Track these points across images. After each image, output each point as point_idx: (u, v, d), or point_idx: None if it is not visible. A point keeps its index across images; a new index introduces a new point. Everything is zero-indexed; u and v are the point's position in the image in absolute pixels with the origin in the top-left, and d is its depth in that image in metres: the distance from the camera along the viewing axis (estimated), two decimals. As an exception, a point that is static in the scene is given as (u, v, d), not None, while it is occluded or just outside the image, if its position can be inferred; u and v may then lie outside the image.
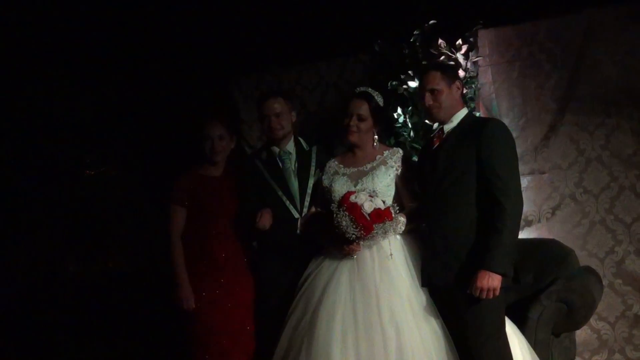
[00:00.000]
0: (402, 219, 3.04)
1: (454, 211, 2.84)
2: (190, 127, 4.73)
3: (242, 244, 3.43)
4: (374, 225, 2.89)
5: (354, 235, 2.91)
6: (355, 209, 2.90)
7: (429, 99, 2.96)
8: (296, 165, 3.40)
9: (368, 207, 2.91)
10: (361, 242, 2.96)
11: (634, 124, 3.97)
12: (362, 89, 3.24)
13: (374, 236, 2.94)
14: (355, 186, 3.09)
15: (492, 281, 2.72)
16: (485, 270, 2.72)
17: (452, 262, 2.83)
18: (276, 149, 3.42)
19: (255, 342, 3.36)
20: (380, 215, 2.91)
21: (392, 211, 2.97)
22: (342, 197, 2.98)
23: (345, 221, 2.89)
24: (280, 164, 3.39)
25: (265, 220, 3.20)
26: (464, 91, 3.99)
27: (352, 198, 2.94)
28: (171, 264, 3.34)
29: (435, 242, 2.89)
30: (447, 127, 2.98)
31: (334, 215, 2.93)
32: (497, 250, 2.72)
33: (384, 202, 2.99)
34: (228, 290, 3.34)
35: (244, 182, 3.39)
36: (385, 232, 2.95)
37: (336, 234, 2.94)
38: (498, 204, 2.74)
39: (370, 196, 2.97)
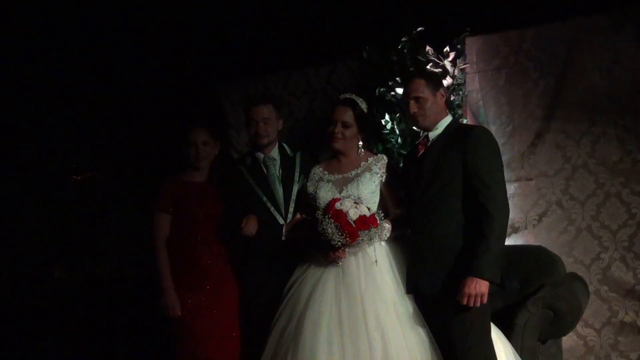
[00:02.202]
0: (387, 226, 3.04)
1: (439, 218, 2.84)
2: (177, 133, 4.75)
3: (226, 250, 3.42)
4: (359, 232, 2.89)
5: (339, 242, 2.90)
6: (340, 216, 2.90)
7: (413, 107, 2.96)
8: (280, 171, 3.39)
9: (353, 214, 2.91)
10: (346, 249, 2.95)
11: (620, 131, 4.00)
12: (346, 95, 3.24)
13: (359, 243, 2.93)
14: (340, 193, 3.08)
15: (479, 288, 2.71)
16: (473, 276, 2.72)
17: (438, 269, 2.82)
18: (261, 155, 3.41)
19: (240, 348, 3.34)
20: (366, 222, 2.90)
21: (378, 218, 2.96)
22: (328, 204, 2.97)
23: (330, 228, 2.89)
24: (265, 170, 3.38)
25: (251, 226, 3.19)
26: (452, 98, 4.02)
27: (338, 205, 2.93)
28: (156, 271, 3.32)
29: (421, 249, 2.88)
30: (432, 134, 2.99)
31: (320, 222, 2.92)
32: (484, 257, 2.71)
33: (369, 208, 2.99)
34: (213, 297, 3.33)
35: (228, 188, 3.37)
36: (371, 239, 2.95)
37: (322, 240, 2.93)
38: (485, 211, 2.74)
39: (356, 203, 2.97)
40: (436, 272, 2.83)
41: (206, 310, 3.29)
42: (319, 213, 2.96)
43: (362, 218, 2.91)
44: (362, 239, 2.92)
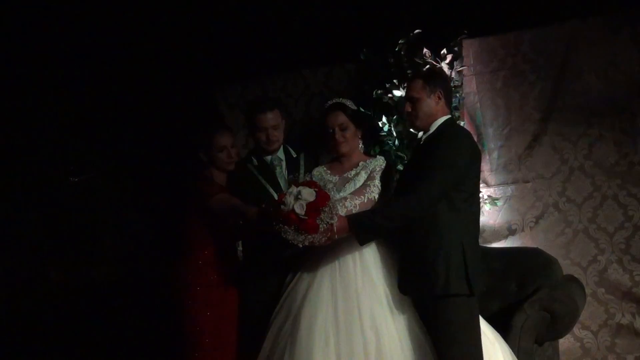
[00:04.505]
0: (348, 197, 3.01)
1: (420, 220, 2.83)
2: (174, 136, 4.75)
3: (235, 255, 3.42)
4: (316, 221, 2.69)
5: (307, 242, 2.73)
6: (290, 219, 2.69)
7: (407, 107, 2.98)
8: (286, 171, 3.41)
9: (300, 207, 2.69)
10: (321, 229, 2.75)
11: (616, 134, 4.01)
12: (332, 102, 3.26)
13: (324, 228, 2.75)
14: (339, 193, 3.09)
15: (338, 226, 2.76)
16: (349, 219, 2.79)
17: (422, 270, 2.81)
18: (268, 156, 3.42)
19: (238, 348, 3.31)
20: (317, 207, 2.70)
21: (326, 190, 2.83)
22: (275, 210, 2.76)
23: (289, 234, 2.70)
24: (273, 170, 3.40)
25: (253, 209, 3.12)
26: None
27: (283, 208, 2.71)
28: (245, 216, 3.08)
29: (406, 251, 2.89)
30: (425, 136, 2.99)
31: (280, 233, 2.72)
32: (368, 218, 2.81)
33: (313, 189, 2.77)
34: (228, 299, 3.30)
35: (240, 187, 3.35)
36: (333, 214, 2.77)
37: (292, 246, 2.76)
38: (405, 197, 2.79)
39: (299, 192, 2.74)
40: (420, 273, 2.81)
41: (224, 314, 3.26)
42: (274, 223, 2.75)
43: (310, 206, 2.69)
44: (323, 225, 2.74)
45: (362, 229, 2.81)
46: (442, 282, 2.74)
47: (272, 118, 3.34)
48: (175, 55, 4.88)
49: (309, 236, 2.71)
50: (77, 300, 4.97)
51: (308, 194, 2.72)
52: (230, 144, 3.37)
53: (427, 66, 4.04)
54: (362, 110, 3.39)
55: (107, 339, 4.78)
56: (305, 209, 2.68)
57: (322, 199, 2.73)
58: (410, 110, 2.96)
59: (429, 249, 2.79)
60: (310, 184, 2.82)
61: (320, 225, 2.71)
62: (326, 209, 2.72)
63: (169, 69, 4.89)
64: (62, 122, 5.02)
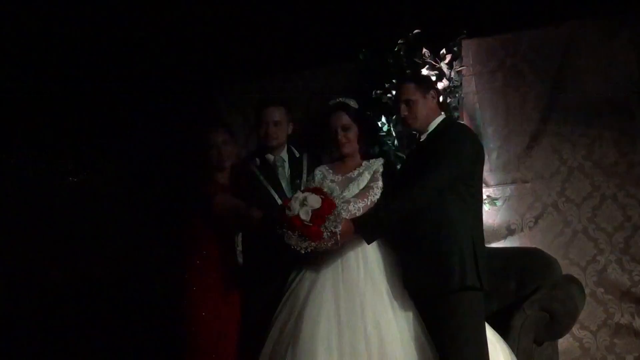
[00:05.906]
0: (352, 201, 3.00)
1: (430, 214, 2.85)
2: (175, 135, 4.75)
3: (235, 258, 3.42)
4: (321, 228, 2.68)
5: (310, 248, 2.73)
6: (294, 224, 2.67)
7: (404, 110, 3.01)
8: (289, 172, 3.41)
9: (305, 214, 2.67)
10: (325, 235, 2.74)
11: (615, 134, 4.02)
12: (335, 101, 3.26)
13: (328, 235, 2.73)
14: (342, 192, 3.10)
15: (345, 231, 2.79)
16: (353, 224, 2.83)
17: (434, 264, 2.82)
18: (271, 157, 3.42)
19: (238, 348, 3.31)
20: (322, 215, 2.68)
21: (332, 198, 2.80)
22: (279, 214, 2.76)
23: (292, 240, 2.70)
24: (275, 170, 3.40)
25: (255, 210, 3.10)
26: (448, 100, 4.03)
27: (287, 212, 2.70)
28: (246, 218, 3.07)
29: (415, 246, 2.90)
30: (424, 135, 3.02)
31: (283, 237, 2.72)
32: (374, 217, 2.85)
33: (320, 197, 2.76)
34: (227, 300, 3.29)
35: (242, 188, 3.35)
36: (337, 221, 2.76)
37: (295, 251, 2.75)
38: (409, 192, 2.82)
39: (305, 198, 2.73)
40: (425, 270, 2.83)
41: (224, 316, 3.26)
42: (278, 227, 2.74)
43: (315, 213, 2.68)
44: (327, 232, 2.72)
45: (367, 227, 2.85)
46: (458, 275, 2.76)
47: (275, 114, 3.33)
48: (175, 56, 4.88)
49: (312, 243, 2.71)
50: (77, 299, 4.98)
51: (314, 201, 2.71)
52: (221, 142, 3.33)
53: (426, 66, 4.05)
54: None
55: (107, 338, 4.78)
56: (310, 216, 2.68)
57: (328, 206, 2.72)
58: (407, 113, 2.99)
59: (442, 243, 2.81)
60: (317, 190, 2.80)
61: (324, 233, 2.71)
62: (331, 217, 2.71)
63: (169, 69, 4.90)
64: (61, 122, 5.02)
